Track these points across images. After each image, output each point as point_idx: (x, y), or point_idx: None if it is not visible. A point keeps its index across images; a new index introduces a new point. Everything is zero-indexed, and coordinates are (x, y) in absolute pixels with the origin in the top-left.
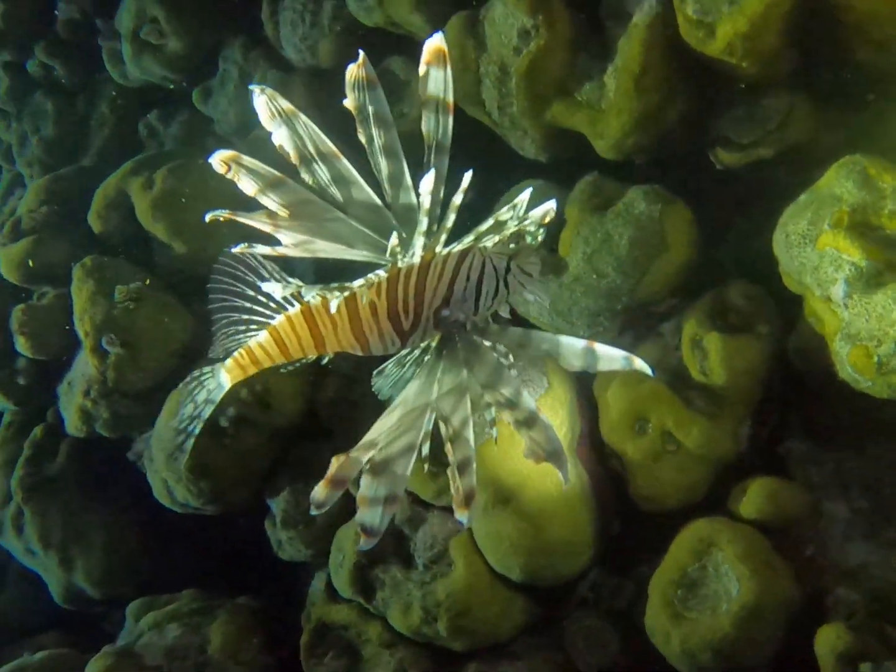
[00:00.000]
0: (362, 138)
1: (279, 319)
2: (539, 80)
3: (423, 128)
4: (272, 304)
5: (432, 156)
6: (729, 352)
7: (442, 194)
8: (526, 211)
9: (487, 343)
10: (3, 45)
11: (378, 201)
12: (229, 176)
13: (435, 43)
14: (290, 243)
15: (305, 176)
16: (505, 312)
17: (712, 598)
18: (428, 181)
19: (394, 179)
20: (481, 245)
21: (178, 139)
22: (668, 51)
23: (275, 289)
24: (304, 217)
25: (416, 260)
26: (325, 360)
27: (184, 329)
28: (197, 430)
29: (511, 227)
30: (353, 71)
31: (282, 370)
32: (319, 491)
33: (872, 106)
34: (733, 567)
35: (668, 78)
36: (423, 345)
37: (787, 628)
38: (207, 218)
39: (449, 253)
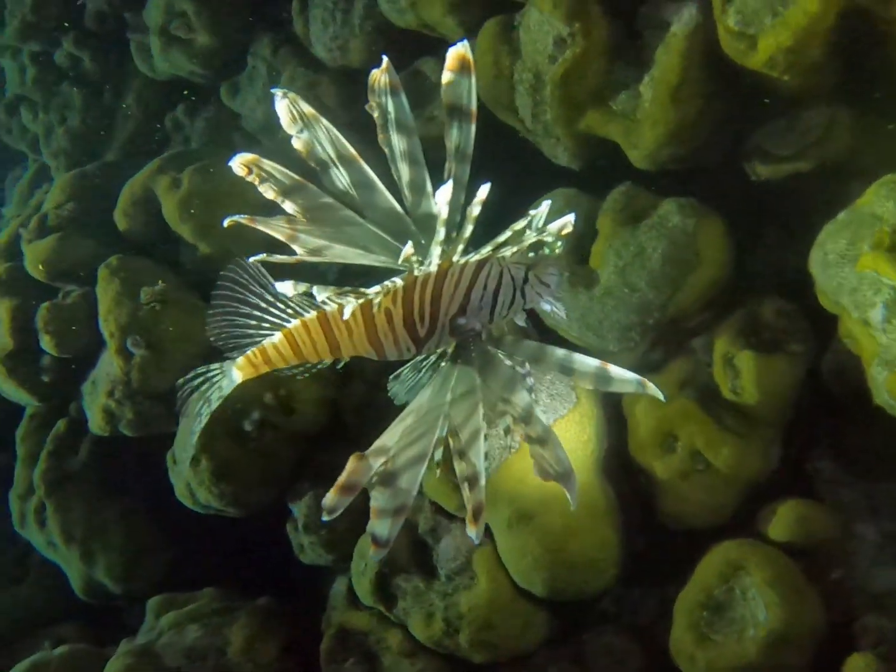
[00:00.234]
0: (383, 144)
1: (294, 323)
2: (573, 89)
3: (446, 135)
4: (283, 312)
5: (453, 164)
6: (761, 371)
7: (462, 202)
8: (545, 223)
9: (502, 354)
10: (32, 35)
11: (398, 207)
12: (249, 179)
13: (459, 50)
14: (308, 249)
15: (325, 180)
16: (521, 321)
17: (739, 622)
18: (445, 192)
19: (414, 186)
20: (500, 255)
21: (204, 134)
22: (707, 62)
23: (287, 287)
24: (323, 222)
25: (433, 268)
26: (341, 364)
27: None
28: (203, 417)
29: (529, 239)
30: (376, 76)
31: (298, 376)
32: (331, 496)
33: None
34: (761, 592)
35: (705, 89)
36: (439, 350)
37: (815, 656)
38: (226, 223)
39: (466, 262)
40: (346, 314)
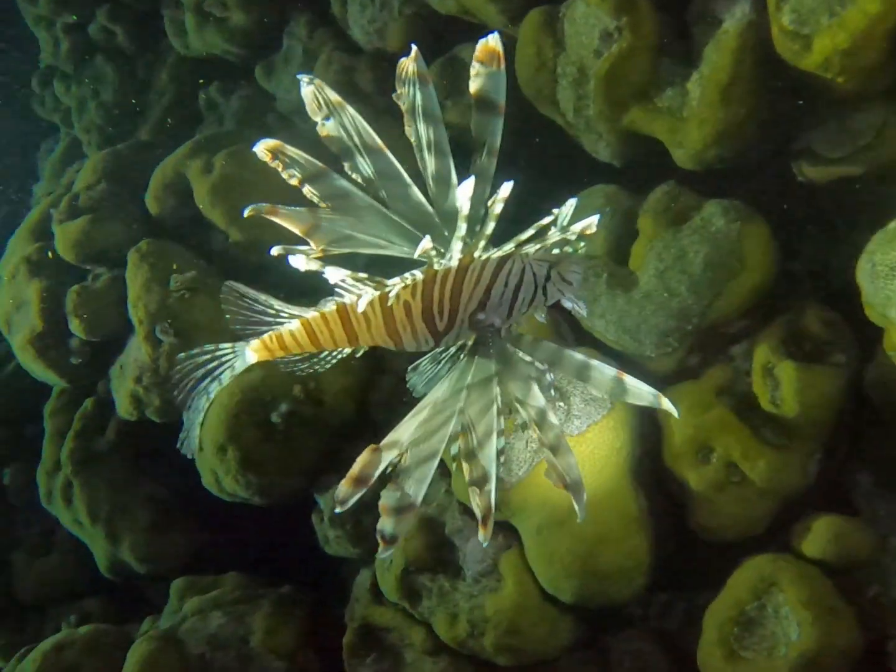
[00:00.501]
0: (410, 134)
1: (312, 314)
2: (619, 85)
3: (472, 127)
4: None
5: (480, 157)
6: (803, 383)
7: (487, 195)
8: (570, 222)
9: (520, 353)
10: (66, 6)
11: (422, 198)
12: (272, 165)
13: (490, 42)
14: (330, 240)
15: (350, 169)
16: (541, 317)
17: (770, 639)
18: (466, 188)
19: (440, 177)
20: (522, 252)
21: (238, 114)
22: (759, 61)
23: (300, 262)
24: (346, 211)
25: (454, 263)
26: (360, 353)
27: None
28: (211, 394)
29: (552, 237)
30: (404, 65)
31: (317, 367)
32: (343, 488)
33: None
34: (794, 611)
35: (755, 89)
36: (459, 343)
37: None
38: (246, 213)
39: (488, 258)
40: (361, 307)
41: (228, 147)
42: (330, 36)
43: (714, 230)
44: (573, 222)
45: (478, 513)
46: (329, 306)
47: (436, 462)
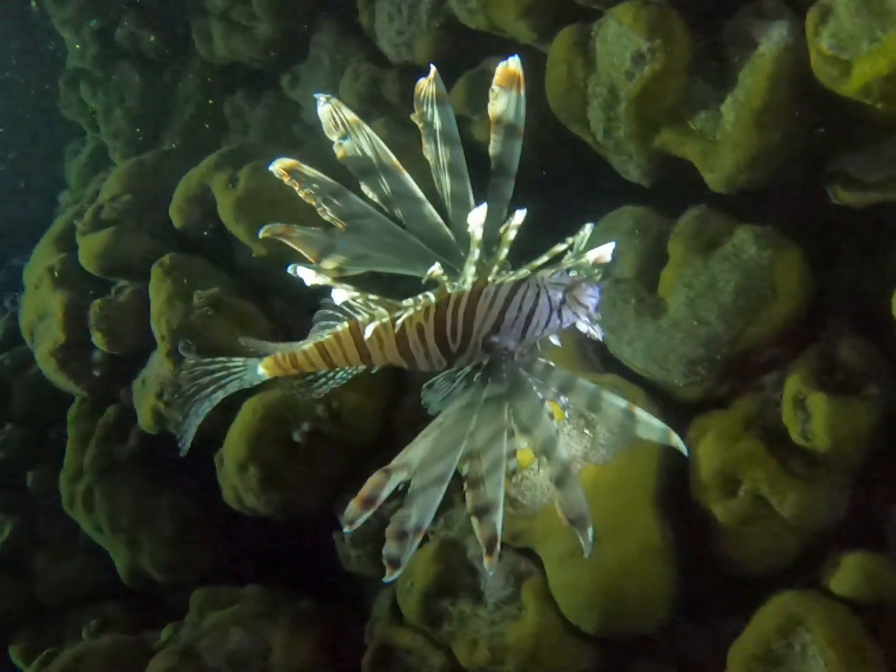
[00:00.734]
0: (427, 154)
1: (325, 335)
2: (650, 107)
3: (490, 150)
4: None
5: (497, 179)
6: (835, 417)
7: (504, 217)
8: (586, 247)
9: (532, 379)
10: (93, 11)
11: (439, 219)
12: (288, 183)
13: (510, 67)
14: (345, 259)
15: (366, 189)
16: (557, 341)
17: None
18: (478, 214)
19: (457, 198)
20: (538, 275)
21: (263, 123)
22: (795, 85)
23: (307, 275)
24: (362, 230)
25: (467, 287)
26: (375, 370)
27: (261, 337)
28: (214, 401)
29: (566, 264)
30: (422, 85)
31: (331, 383)
32: (351, 509)
33: None
34: (821, 651)
35: (790, 113)
36: (474, 363)
37: None
38: (262, 234)
39: (502, 282)
40: (367, 334)
41: (254, 160)
42: (357, 47)
43: (746, 258)
44: (589, 248)
45: (480, 542)
46: (341, 326)
47: (444, 486)
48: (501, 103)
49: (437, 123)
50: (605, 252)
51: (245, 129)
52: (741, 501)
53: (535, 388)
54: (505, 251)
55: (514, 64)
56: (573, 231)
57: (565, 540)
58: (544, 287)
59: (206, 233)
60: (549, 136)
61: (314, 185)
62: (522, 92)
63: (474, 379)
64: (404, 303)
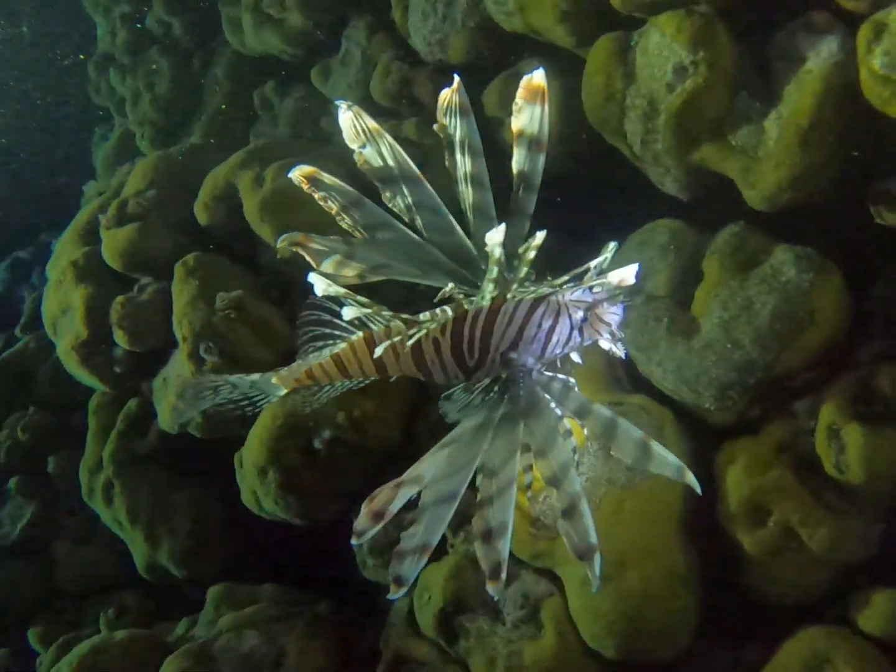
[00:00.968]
0: (449, 165)
1: (341, 346)
2: (691, 121)
3: (513, 164)
4: (336, 332)
5: (520, 192)
6: (871, 450)
7: (526, 232)
8: (609, 267)
9: (549, 399)
10: None
11: (460, 230)
12: (307, 191)
13: (535, 81)
14: (364, 267)
15: (386, 198)
16: (578, 358)
17: None
18: (496, 234)
19: (478, 210)
20: (559, 293)
21: (292, 116)
22: (843, 104)
23: (319, 284)
24: (381, 240)
25: (486, 304)
26: (392, 379)
27: (282, 341)
28: (235, 402)
29: (588, 283)
30: (446, 96)
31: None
32: (361, 521)
33: None
34: None
35: (837, 132)
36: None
37: None
38: (279, 244)
39: (521, 299)
40: (378, 353)
41: (281, 159)
42: (389, 43)
43: (784, 280)
44: (613, 268)
45: (483, 566)
46: (356, 336)
47: (454, 505)
48: (525, 117)
49: (460, 134)
50: (628, 274)
51: (274, 121)
52: (770, 532)
53: (551, 409)
54: (525, 270)
55: (538, 77)
56: (598, 247)
57: None
58: (565, 305)
59: (231, 231)
60: (583, 144)
61: (334, 194)
62: (546, 105)
63: (492, 392)
64: (421, 317)
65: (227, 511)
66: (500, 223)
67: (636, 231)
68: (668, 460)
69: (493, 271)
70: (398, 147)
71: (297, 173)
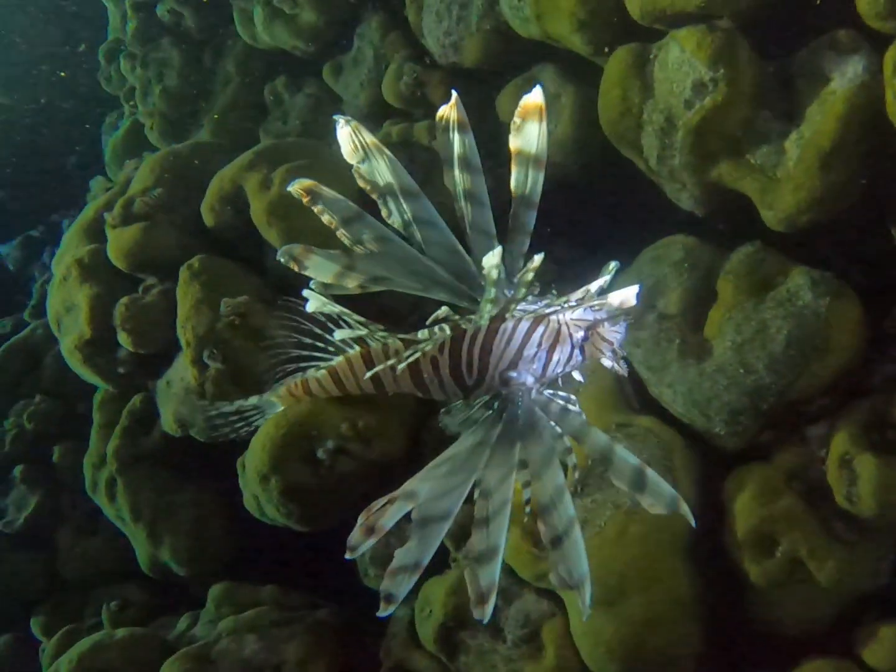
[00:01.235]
0: (447, 180)
1: (338, 360)
2: (709, 138)
3: (512, 181)
4: (327, 350)
5: (519, 210)
6: (883, 482)
7: (526, 250)
8: (609, 286)
9: (546, 421)
10: None
11: (460, 247)
12: (307, 204)
13: (533, 100)
14: (364, 279)
15: (385, 213)
16: (580, 377)
17: None
18: (493, 257)
19: (477, 227)
20: (560, 311)
21: (303, 113)
22: (867, 127)
23: (313, 301)
24: (382, 255)
25: (484, 324)
26: (391, 394)
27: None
28: (242, 431)
29: (589, 302)
30: (444, 112)
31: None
32: (355, 536)
33: None
34: None
35: (860, 155)
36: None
37: None
38: (280, 256)
39: (520, 318)
40: (366, 376)
41: (290, 160)
42: (402, 42)
43: (801, 305)
44: (616, 285)
45: (471, 592)
46: (353, 351)
47: (447, 524)
48: (523, 135)
49: (458, 151)
50: (629, 295)
51: (284, 118)
52: (777, 563)
53: (549, 430)
54: (523, 292)
55: (536, 95)
56: (609, 261)
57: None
58: (565, 324)
59: (237, 233)
60: (598, 153)
61: (334, 208)
62: (545, 123)
63: (492, 408)
64: (419, 335)
65: (230, 512)
66: (499, 241)
67: (650, 246)
68: (663, 491)
69: (491, 292)
70: (397, 162)
71: (297, 186)
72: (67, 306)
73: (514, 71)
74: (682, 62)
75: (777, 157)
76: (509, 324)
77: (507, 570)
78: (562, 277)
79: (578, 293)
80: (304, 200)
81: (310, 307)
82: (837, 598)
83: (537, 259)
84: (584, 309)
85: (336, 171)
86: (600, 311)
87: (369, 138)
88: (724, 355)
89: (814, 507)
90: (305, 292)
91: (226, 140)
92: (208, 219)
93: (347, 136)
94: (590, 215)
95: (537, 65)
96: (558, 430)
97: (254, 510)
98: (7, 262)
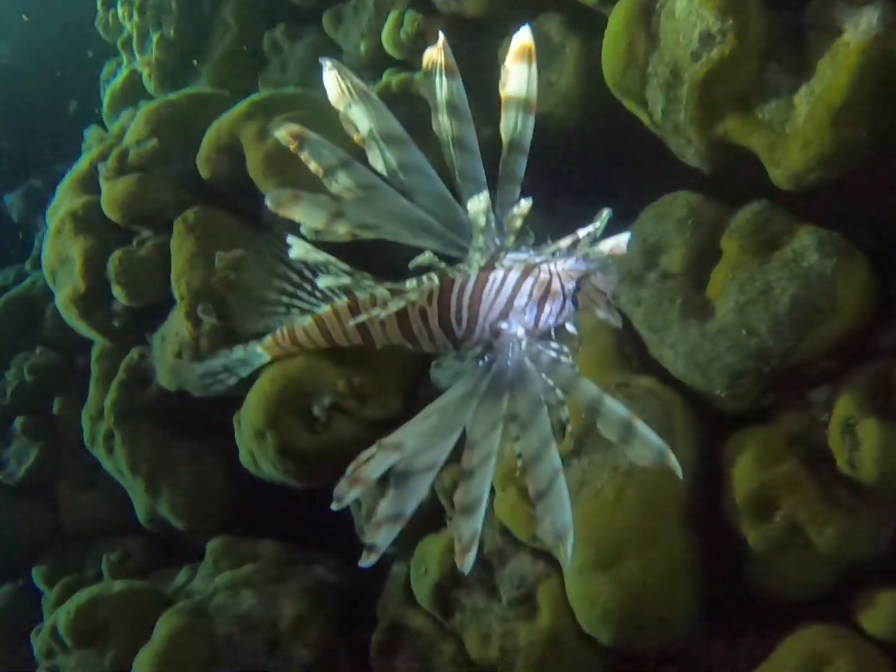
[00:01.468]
0: (435, 126)
1: (325, 308)
2: (716, 92)
3: (501, 126)
4: (312, 295)
5: (509, 157)
6: (887, 448)
7: (517, 196)
8: (602, 236)
9: (536, 372)
10: None
11: (449, 195)
12: (294, 151)
13: (523, 40)
14: (354, 226)
15: (373, 160)
16: (573, 328)
17: None
18: (478, 202)
19: (467, 175)
20: (552, 261)
21: (302, 63)
22: (880, 81)
23: (297, 248)
24: (371, 202)
25: (473, 273)
26: (379, 346)
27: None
28: (230, 382)
29: (581, 251)
30: (430, 56)
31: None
32: (341, 486)
33: None
34: None
35: (873, 111)
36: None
37: None
38: (268, 202)
39: (510, 268)
40: (351, 323)
41: (287, 111)
42: None
43: (806, 266)
44: (605, 237)
45: (457, 540)
46: (341, 301)
47: (433, 475)
48: (513, 78)
49: (446, 96)
50: (620, 243)
51: (283, 67)
52: (776, 528)
53: (537, 382)
54: (511, 239)
55: (525, 36)
56: (593, 216)
57: (585, 551)
58: (557, 274)
59: (234, 185)
60: (601, 105)
61: (321, 154)
62: (535, 65)
63: (483, 361)
64: (406, 285)
65: (229, 467)
66: (488, 189)
67: (653, 203)
68: (651, 442)
69: (479, 240)
70: (384, 108)
71: (284, 132)
72: (62, 259)
73: (519, 21)
74: (690, 12)
75: (786, 112)
76: (499, 273)
77: (504, 531)
78: (563, 231)
79: (568, 239)
80: (292, 146)
81: (293, 254)
82: (836, 565)
83: (524, 204)
84: (576, 259)
85: (334, 122)
86: (593, 260)
87: (356, 83)
88: (726, 316)
89: (815, 472)
90: (290, 239)
91: (224, 90)
92: (204, 170)
93: (334, 80)
94: (593, 170)
95: (542, 14)
96: (550, 382)
97: (250, 466)
98: (11, 212)
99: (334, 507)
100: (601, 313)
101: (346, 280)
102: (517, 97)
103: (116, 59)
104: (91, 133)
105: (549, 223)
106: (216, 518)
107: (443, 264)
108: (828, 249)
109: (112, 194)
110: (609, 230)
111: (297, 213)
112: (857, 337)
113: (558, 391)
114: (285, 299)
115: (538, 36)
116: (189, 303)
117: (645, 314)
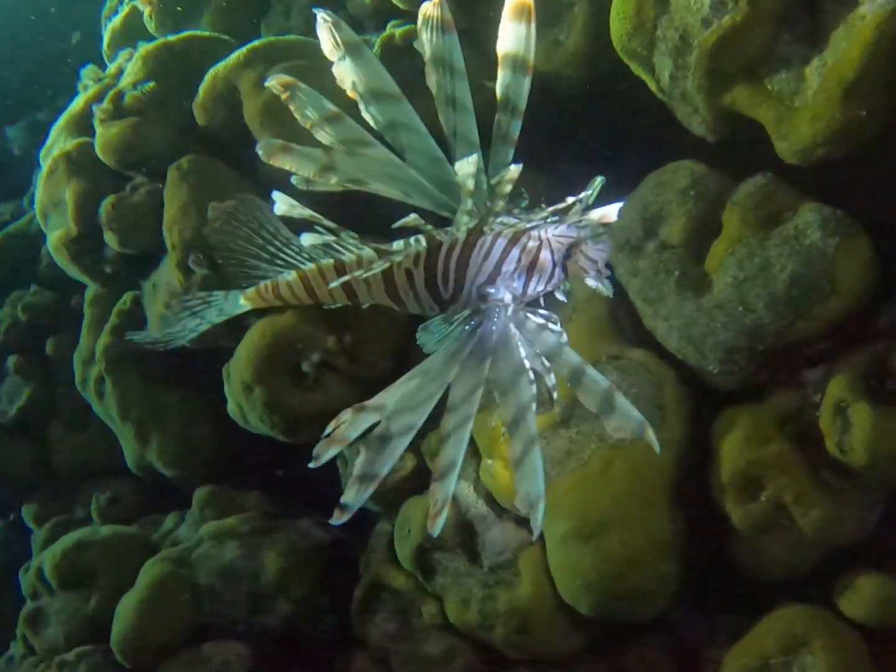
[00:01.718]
0: (430, 84)
1: (310, 266)
2: (725, 60)
3: (497, 87)
4: (298, 254)
5: (503, 118)
6: (877, 433)
7: (510, 160)
8: (594, 203)
9: (521, 338)
10: None
11: (441, 154)
12: (285, 102)
13: None
14: (345, 179)
15: (364, 115)
16: (562, 297)
17: None
18: (467, 164)
19: (461, 134)
20: (542, 228)
21: (305, 10)
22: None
23: (281, 204)
24: (361, 157)
25: (461, 236)
26: (365, 306)
27: None
28: (201, 329)
29: (572, 218)
30: (427, 10)
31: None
32: (320, 445)
33: None
34: None
35: (886, 87)
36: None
37: None
38: (260, 151)
39: (499, 233)
40: (333, 285)
41: (287, 59)
42: None
43: (808, 243)
44: (597, 205)
45: (431, 503)
46: (326, 260)
47: (410, 437)
48: (510, 37)
49: (441, 52)
50: (610, 211)
51: (287, 12)
52: (762, 507)
53: (521, 348)
54: (501, 204)
55: None
56: (585, 183)
57: (569, 522)
58: (547, 240)
59: (230, 133)
60: (609, 68)
61: (312, 106)
62: (533, 24)
63: (469, 325)
64: (393, 246)
65: (218, 417)
66: (480, 151)
67: (656, 171)
68: (630, 414)
69: (467, 203)
70: (378, 62)
71: (275, 82)
72: (55, 201)
73: None
74: None
75: (796, 84)
76: (487, 237)
77: (489, 497)
78: (566, 194)
79: (558, 206)
80: (283, 97)
81: (277, 210)
82: (820, 546)
83: (514, 169)
84: (567, 226)
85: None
86: (584, 228)
87: (350, 36)
88: (723, 291)
89: (804, 453)
90: (274, 194)
91: (225, 33)
92: (201, 118)
93: (327, 31)
94: (598, 133)
95: None
96: (535, 349)
97: (238, 419)
98: (12, 147)
99: (312, 465)
100: (591, 282)
101: (329, 238)
102: (513, 55)
103: None
104: (87, 72)
105: (555, 185)
106: (204, 468)
107: (429, 226)
108: (830, 227)
109: (106, 138)
110: (606, 197)
111: (287, 163)
112: (856, 318)
113: (543, 359)
114: (270, 252)
115: None
116: (181, 252)
117: (641, 285)
